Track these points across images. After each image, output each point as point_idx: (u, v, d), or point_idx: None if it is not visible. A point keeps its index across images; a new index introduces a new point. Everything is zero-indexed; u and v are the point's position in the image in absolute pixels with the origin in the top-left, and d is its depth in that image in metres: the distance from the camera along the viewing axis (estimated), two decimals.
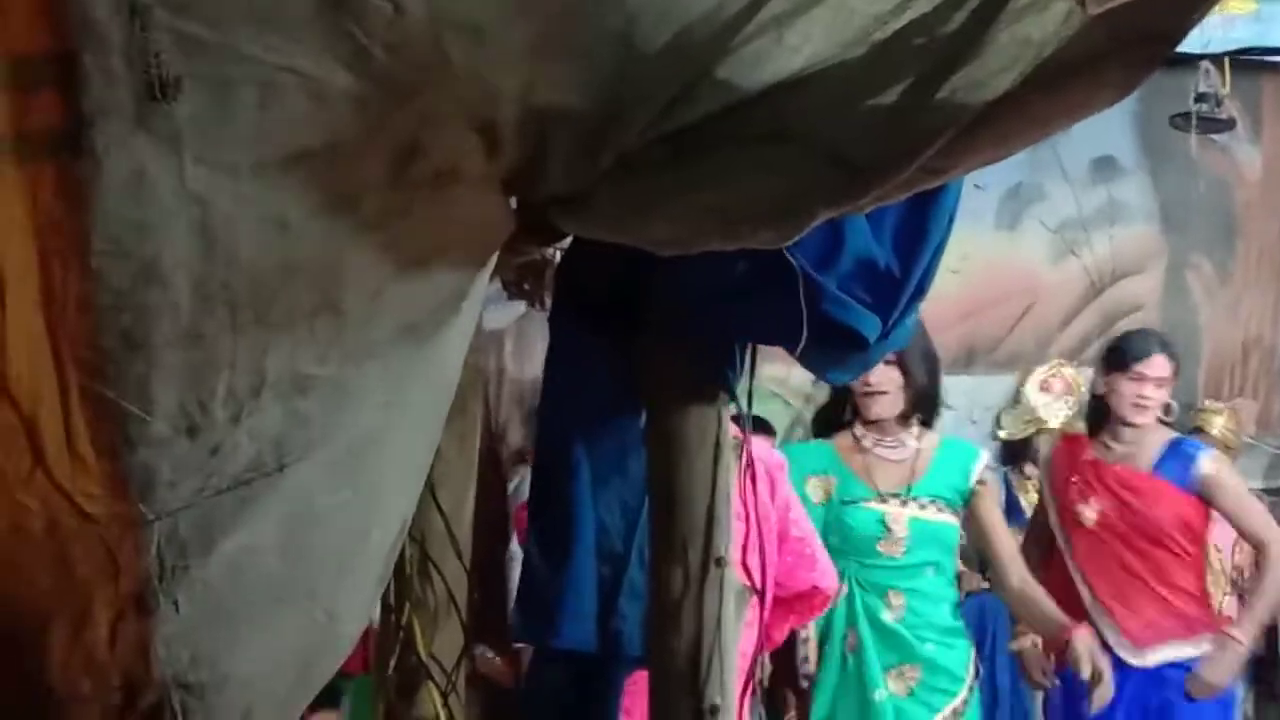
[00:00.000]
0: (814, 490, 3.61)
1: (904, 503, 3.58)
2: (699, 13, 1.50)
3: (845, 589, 3.50)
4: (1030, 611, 3.84)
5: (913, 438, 3.66)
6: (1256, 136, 7.57)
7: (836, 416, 3.76)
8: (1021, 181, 7.21)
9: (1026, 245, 7.11)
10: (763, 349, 2.25)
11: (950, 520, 3.64)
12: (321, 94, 1.44)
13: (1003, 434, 6.75)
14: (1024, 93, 1.37)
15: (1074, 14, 1.26)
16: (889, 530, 3.56)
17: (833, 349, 2.10)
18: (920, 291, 2.08)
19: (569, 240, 2.27)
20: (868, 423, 3.64)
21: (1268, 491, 6.60)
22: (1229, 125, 6.68)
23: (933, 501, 3.62)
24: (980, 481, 3.70)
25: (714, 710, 2.08)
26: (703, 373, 2.15)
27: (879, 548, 3.57)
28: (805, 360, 2.16)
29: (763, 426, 5.83)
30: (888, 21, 1.44)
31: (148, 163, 1.42)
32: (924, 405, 3.66)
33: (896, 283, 2.04)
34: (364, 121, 1.46)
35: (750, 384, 2.20)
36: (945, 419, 5.78)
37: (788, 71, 1.52)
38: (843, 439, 3.72)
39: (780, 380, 6.71)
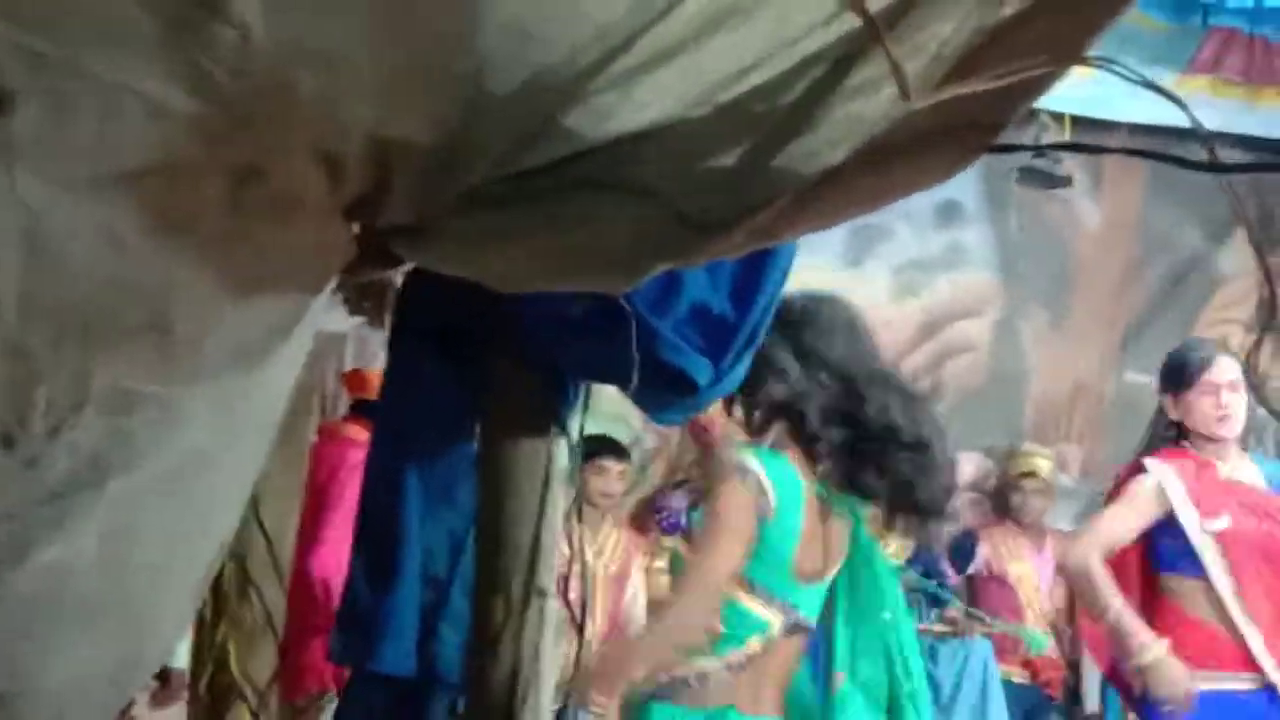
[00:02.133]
0: None
1: None
2: (551, 61, 1.52)
3: None
4: None
5: None
6: (1097, 192, 7.85)
7: None
8: (869, 221, 7.38)
9: (869, 282, 7.28)
10: None
11: None
12: (162, 113, 1.43)
13: None
14: (853, 168, 1.41)
15: (899, 101, 1.31)
16: None
17: (665, 391, 2.13)
18: (753, 338, 2.13)
19: (413, 265, 2.28)
20: None
21: None
22: (1066, 182, 6.92)
23: None
24: None
25: None
26: (536, 405, 2.18)
27: None
28: (637, 400, 2.19)
29: (616, 450, 5.86)
30: (730, 86, 1.48)
31: None
32: None
33: (731, 329, 2.08)
34: (204, 144, 1.45)
35: (583, 417, 2.22)
36: None
37: (634, 126, 1.55)
38: None
39: (619, 400, 6.77)
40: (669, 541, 6.35)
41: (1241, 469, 4.04)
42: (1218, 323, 7.84)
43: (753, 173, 1.49)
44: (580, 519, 2.23)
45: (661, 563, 6.31)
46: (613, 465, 5.73)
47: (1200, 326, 7.95)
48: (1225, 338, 7.36)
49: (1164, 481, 3.94)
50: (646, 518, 6.73)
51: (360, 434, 4.27)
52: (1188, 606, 3.92)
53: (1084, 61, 1.26)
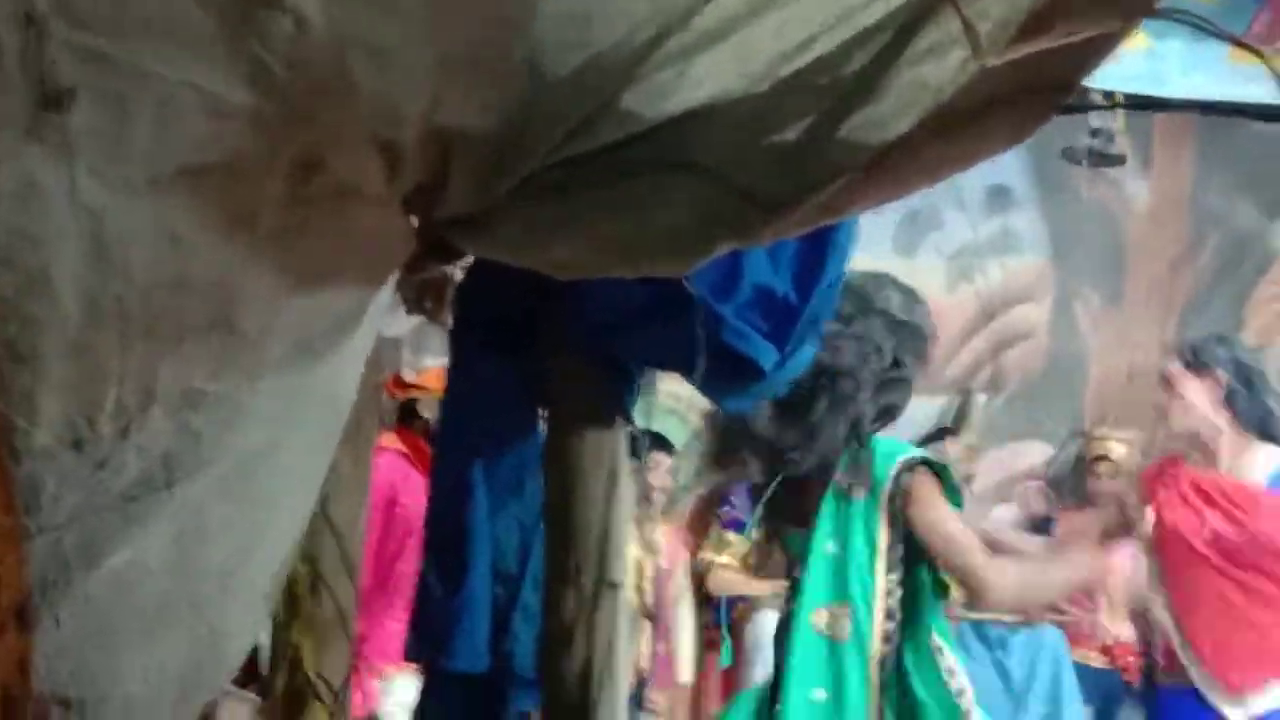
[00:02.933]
0: None
1: None
2: (606, 43, 1.50)
3: None
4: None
5: None
6: (1146, 171, 7.77)
7: None
8: (919, 208, 7.33)
9: (923, 271, 7.23)
10: None
11: None
12: (220, 110, 1.43)
13: None
14: (920, 136, 1.39)
15: (970, 62, 1.28)
16: None
17: (730, 377, 2.11)
18: (816, 321, 2.11)
19: (470, 258, 2.26)
20: None
21: None
22: (1119, 161, 6.83)
23: None
24: None
25: None
26: (601, 396, 2.16)
27: None
28: (703, 388, 2.17)
29: (663, 444, 5.86)
30: (791, 59, 1.45)
31: (38, 173, 1.40)
32: None
33: (793, 312, 2.06)
34: (263, 138, 1.45)
35: (648, 406, 2.21)
36: None
37: (691, 104, 1.53)
38: None
39: (677, 396, 6.75)
40: (731, 536, 6.33)
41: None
42: (1272, 299, 7.74)
43: (817, 146, 1.47)
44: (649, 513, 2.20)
45: (723, 558, 6.30)
46: (663, 459, 5.73)
47: (1255, 303, 7.86)
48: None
49: None
50: (707, 514, 6.71)
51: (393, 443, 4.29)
52: None
53: (1155, 13, 1.23)
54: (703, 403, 7.96)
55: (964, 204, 7.40)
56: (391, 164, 1.57)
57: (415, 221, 1.73)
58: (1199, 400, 3.85)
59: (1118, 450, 6.50)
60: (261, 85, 1.42)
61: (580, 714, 2.07)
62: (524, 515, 2.24)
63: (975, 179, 7.39)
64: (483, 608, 2.21)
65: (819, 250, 2.06)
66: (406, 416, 4.47)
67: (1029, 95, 1.37)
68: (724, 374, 2.07)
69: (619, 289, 1.96)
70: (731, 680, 6.46)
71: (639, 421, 2.24)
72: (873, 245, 7.05)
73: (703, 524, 6.51)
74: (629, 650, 2.18)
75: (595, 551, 2.11)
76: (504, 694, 2.23)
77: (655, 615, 5.78)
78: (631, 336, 2.08)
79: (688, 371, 2.03)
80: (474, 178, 1.63)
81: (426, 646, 2.27)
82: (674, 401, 6.91)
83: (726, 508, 6.57)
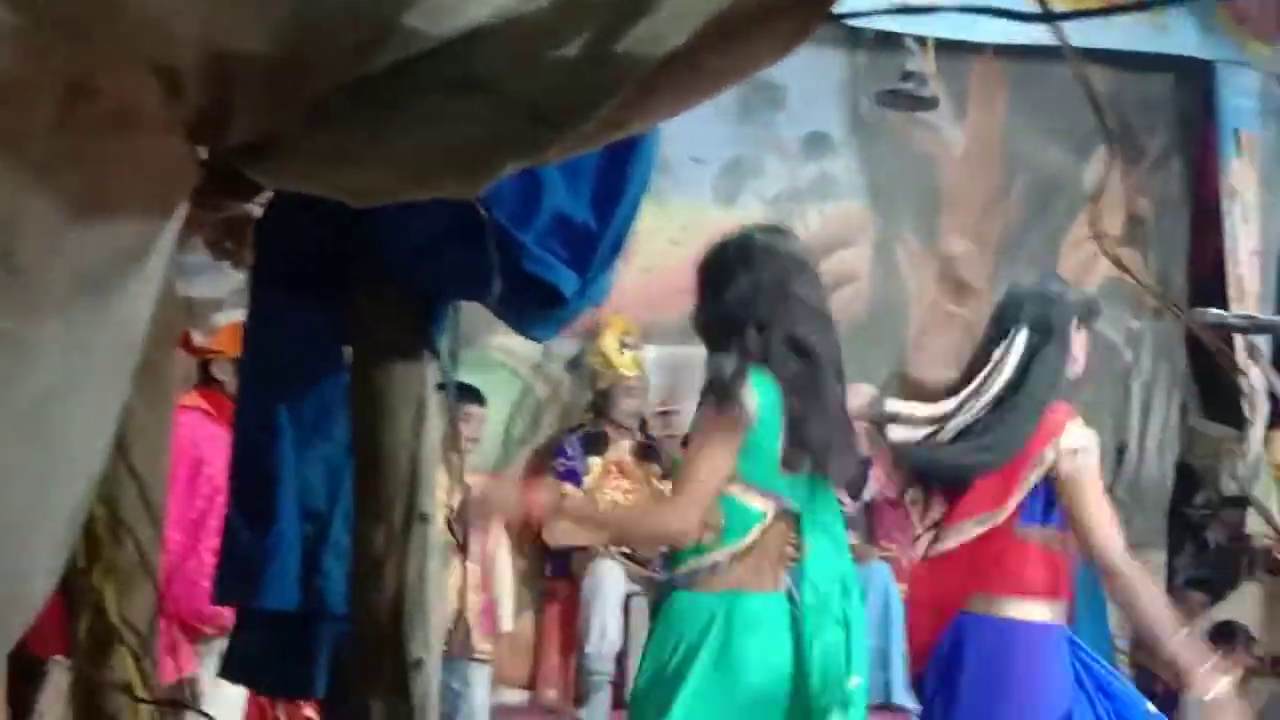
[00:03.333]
0: None
1: None
2: None
3: None
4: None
5: None
6: (960, 116, 7.95)
7: None
8: (739, 157, 7.40)
9: (743, 218, 7.30)
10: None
11: None
12: None
13: None
14: (697, 49, 1.41)
15: None
16: None
17: (532, 306, 2.12)
18: (617, 247, 2.13)
19: (269, 195, 2.23)
20: None
21: None
22: (933, 104, 6.99)
23: None
24: None
25: (418, 664, 2.09)
26: (405, 328, 2.15)
27: None
28: (506, 318, 2.18)
29: (476, 395, 5.85)
30: None
31: None
32: None
33: (594, 239, 2.07)
34: (30, 60, 1.41)
35: (455, 343, 2.21)
36: (685, 391, 5.90)
37: (476, 21, 1.53)
38: None
39: (508, 350, 6.74)
40: (567, 488, 6.38)
41: None
42: (1085, 240, 7.99)
43: (598, 60, 1.48)
44: (458, 447, 2.21)
45: None
46: (475, 410, 5.74)
47: (1068, 244, 8.10)
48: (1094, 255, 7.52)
49: None
50: (542, 467, 6.73)
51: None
52: None
53: None
54: (534, 356, 7.98)
55: (783, 151, 7.49)
56: (169, 89, 1.54)
57: (203, 152, 1.70)
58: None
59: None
60: (26, 4, 1.38)
61: (392, 646, 2.08)
62: (332, 453, 2.23)
63: (794, 127, 7.49)
64: (292, 546, 2.20)
65: (617, 177, 2.08)
66: (210, 375, 4.37)
67: (800, 4, 1.40)
68: (526, 303, 2.08)
69: (417, 217, 1.96)
70: (569, 631, 6.52)
71: (448, 369, 2.23)
72: (693, 193, 7.11)
73: (538, 476, 6.55)
74: (441, 583, 2.18)
75: (404, 485, 2.11)
76: (316, 631, 2.22)
77: (468, 551, 5.79)
78: (430, 265, 2.08)
79: (485, 298, 2.04)
80: (258, 103, 1.60)
81: (236, 587, 2.25)
82: (505, 355, 6.91)
83: (561, 459, 6.61)
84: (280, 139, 1.67)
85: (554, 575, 6.56)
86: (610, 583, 6.19)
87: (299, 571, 2.20)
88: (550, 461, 6.68)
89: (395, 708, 2.08)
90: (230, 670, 2.37)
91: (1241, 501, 7.65)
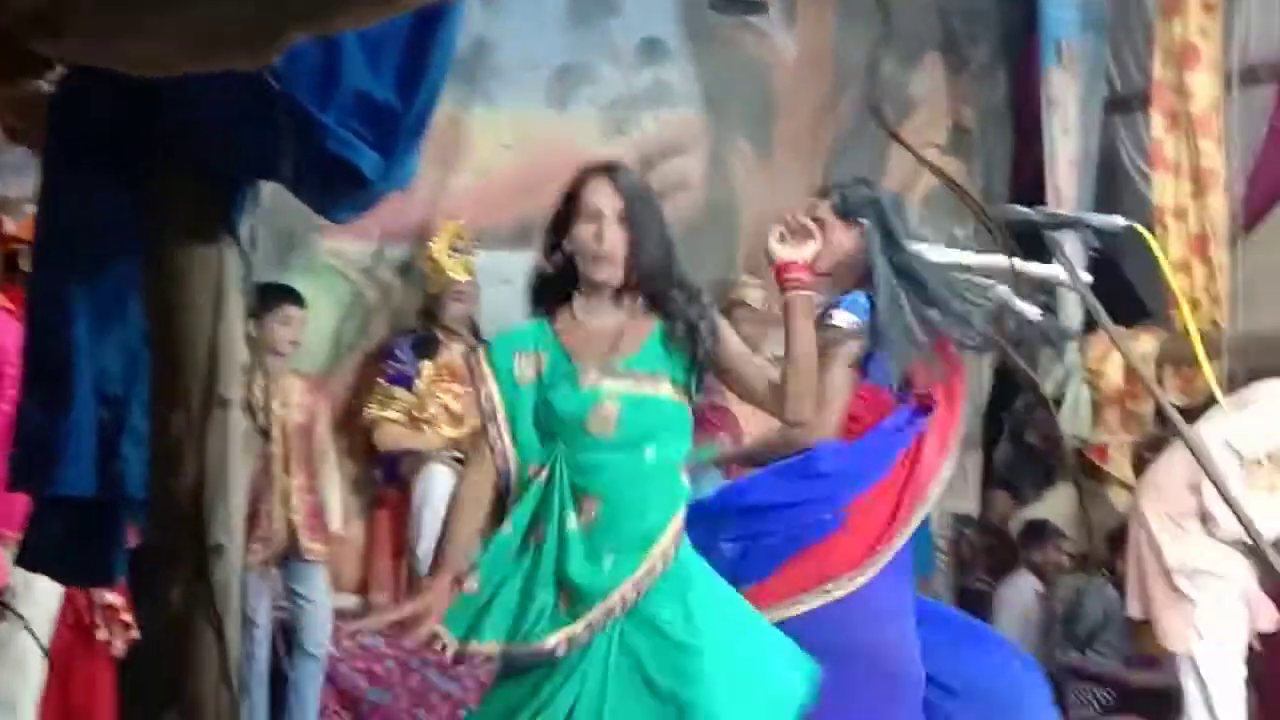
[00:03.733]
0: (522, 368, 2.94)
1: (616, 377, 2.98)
2: None
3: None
4: None
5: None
6: (791, 23, 7.98)
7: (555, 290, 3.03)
8: (571, 63, 7.34)
9: (576, 123, 7.27)
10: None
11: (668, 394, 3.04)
12: None
13: None
14: None
15: None
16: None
17: (335, 187, 2.09)
18: (420, 127, 2.10)
19: (64, 75, 2.16)
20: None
21: None
22: (762, 8, 7.00)
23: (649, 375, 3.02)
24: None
25: (218, 549, 2.08)
26: (203, 209, 2.11)
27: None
28: (308, 199, 2.15)
29: (297, 298, 5.75)
30: None
31: None
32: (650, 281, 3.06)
33: (396, 118, 2.05)
34: None
35: (251, 221, 2.16)
36: (506, 296, 5.88)
37: None
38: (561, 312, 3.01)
39: (338, 253, 6.64)
40: (397, 391, 6.34)
41: None
42: (915, 146, 8.09)
43: None
44: (259, 331, 2.17)
45: (391, 413, 6.31)
46: (295, 312, 5.65)
47: (896, 151, 8.22)
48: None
49: None
50: (373, 369, 6.68)
51: None
52: None
53: None
54: (365, 260, 7.85)
55: (617, 57, 7.45)
56: None
57: None
58: (846, 244, 4.02)
59: (754, 295, 6.80)
60: None
61: (192, 531, 2.06)
62: (128, 337, 2.18)
63: (628, 33, 7.45)
64: (88, 432, 2.16)
65: (420, 56, 2.05)
66: (11, 270, 4.20)
67: None
68: (328, 183, 2.06)
69: (214, 94, 1.91)
70: (400, 535, 6.51)
71: (249, 253, 2.18)
72: (525, 99, 7.04)
73: (368, 379, 6.50)
74: (244, 467, 2.16)
75: (203, 368, 2.08)
76: (114, 516, 2.19)
77: (306, 467, 5.75)
78: (228, 143, 2.03)
79: (283, 178, 2.00)
80: None
81: (31, 474, 2.20)
82: (335, 258, 6.80)
83: (392, 363, 6.56)
84: (64, 8, 1.62)
85: (385, 481, 6.54)
86: (441, 487, 6.19)
87: (96, 457, 2.16)
88: (381, 365, 6.63)
89: (196, 592, 2.06)
90: (28, 558, 2.32)
91: (1056, 404, 7.90)
